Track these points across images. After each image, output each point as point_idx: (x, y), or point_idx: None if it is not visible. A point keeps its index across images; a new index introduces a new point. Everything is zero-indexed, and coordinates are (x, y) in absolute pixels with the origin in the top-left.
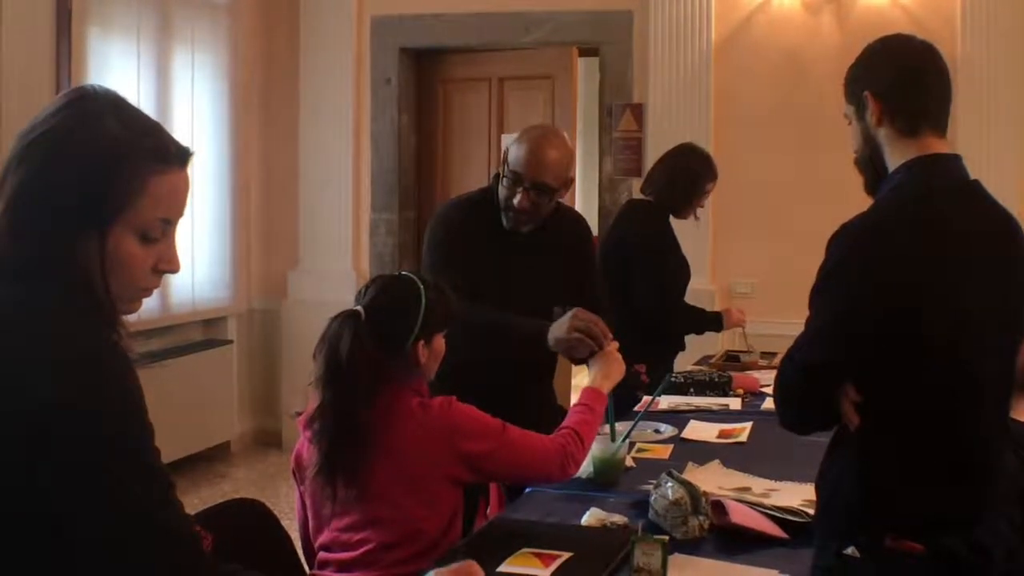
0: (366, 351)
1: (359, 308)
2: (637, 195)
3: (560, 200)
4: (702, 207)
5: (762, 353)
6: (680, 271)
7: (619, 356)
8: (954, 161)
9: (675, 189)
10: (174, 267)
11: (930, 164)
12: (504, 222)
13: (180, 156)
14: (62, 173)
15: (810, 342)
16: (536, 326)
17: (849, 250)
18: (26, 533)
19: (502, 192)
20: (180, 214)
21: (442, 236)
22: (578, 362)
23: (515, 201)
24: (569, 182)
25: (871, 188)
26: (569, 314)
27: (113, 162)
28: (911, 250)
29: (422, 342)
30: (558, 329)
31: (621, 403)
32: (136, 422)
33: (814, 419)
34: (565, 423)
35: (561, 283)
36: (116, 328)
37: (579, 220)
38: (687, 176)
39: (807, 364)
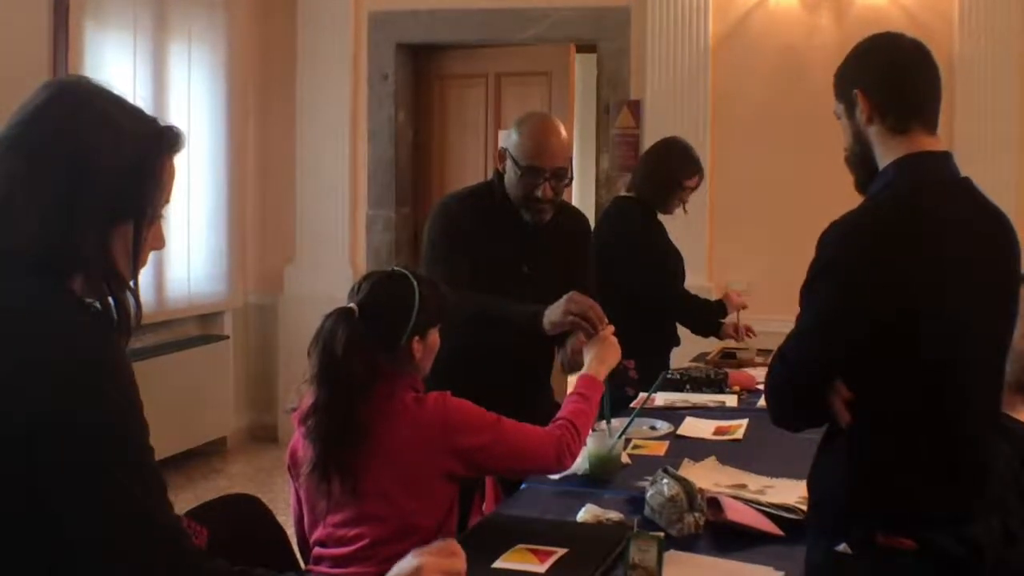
0: (361, 348)
1: (352, 305)
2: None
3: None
4: (685, 202)
5: (758, 350)
6: (667, 265)
7: (614, 341)
8: (944, 158)
9: (653, 186)
10: (163, 244)
11: (920, 161)
12: (526, 217)
13: (182, 141)
14: (97, 173)
15: (800, 339)
16: (531, 309)
17: (839, 248)
18: (26, 533)
19: (519, 188)
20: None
21: (444, 229)
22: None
23: (540, 193)
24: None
25: (862, 186)
26: (565, 297)
27: (142, 158)
28: (901, 248)
29: (417, 337)
30: (553, 312)
31: (611, 399)
32: (134, 422)
33: (805, 416)
34: (561, 413)
35: (560, 277)
36: (129, 322)
37: (578, 215)
38: (663, 173)
39: (797, 361)
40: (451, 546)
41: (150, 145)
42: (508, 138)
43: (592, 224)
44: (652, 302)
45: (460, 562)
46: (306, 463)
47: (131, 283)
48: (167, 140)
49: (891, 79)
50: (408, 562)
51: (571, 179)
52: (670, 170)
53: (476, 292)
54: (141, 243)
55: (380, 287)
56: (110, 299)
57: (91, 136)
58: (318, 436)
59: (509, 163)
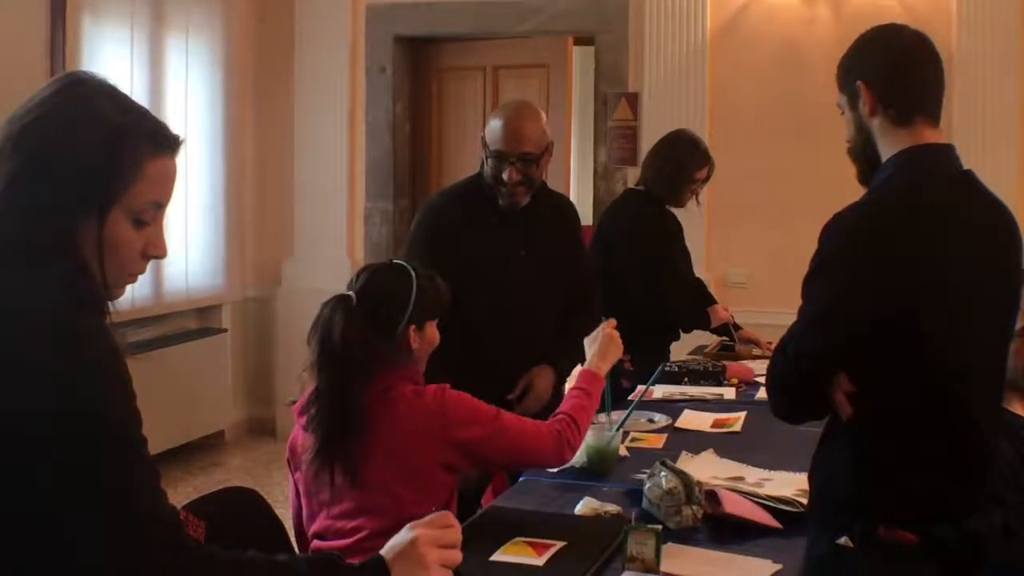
0: (358, 334)
1: (350, 293)
2: (632, 184)
3: (552, 188)
4: (697, 193)
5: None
6: (671, 261)
7: (616, 336)
8: (947, 151)
9: (662, 179)
10: (162, 252)
11: (923, 154)
12: (500, 202)
13: (173, 142)
14: (63, 157)
15: (802, 332)
16: None
17: (841, 240)
18: (26, 533)
19: (490, 173)
20: (170, 199)
21: (424, 231)
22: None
23: (505, 176)
24: (550, 146)
25: (864, 178)
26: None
27: (114, 145)
28: (904, 240)
29: (413, 327)
30: None
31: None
32: (132, 417)
33: (806, 409)
34: (561, 408)
35: (552, 265)
36: (108, 315)
37: (567, 204)
38: (672, 166)
39: (799, 353)
40: (446, 518)
41: (133, 139)
42: (487, 125)
43: (588, 217)
44: (646, 302)
45: (455, 533)
46: (308, 451)
47: (101, 277)
48: (156, 138)
49: (894, 71)
50: (403, 535)
51: (540, 165)
52: (680, 163)
53: (464, 291)
54: (102, 236)
55: (377, 276)
56: (85, 287)
57: (66, 121)
58: (320, 423)
59: (483, 149)
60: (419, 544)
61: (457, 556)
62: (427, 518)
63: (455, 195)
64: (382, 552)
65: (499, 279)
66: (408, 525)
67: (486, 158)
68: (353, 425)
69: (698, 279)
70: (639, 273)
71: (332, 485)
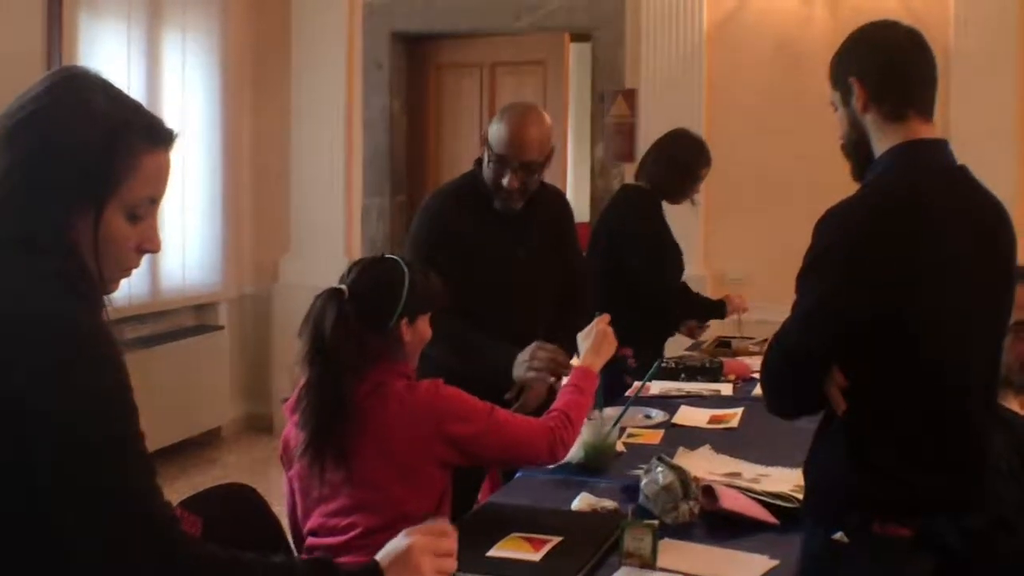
0: (349, 328)
1: (342, 287)
2: (630, 180)
3: (545, 182)
4: (697, 192)
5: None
6: (674, 257)
7: (610, 332)
8: (940, 146)
9: (668, 177)
10: (156, 247)
11: (916, 149)
12: (496, 204)
13: (168, 136)
14: (59, 152)
15: (796, 327)
16: (505, 360)
17: (835, 235)
18: (26, 533)
19: (489, 175)
20: (164, 193)
21: (426, 235)
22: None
23: (505, 182)
24: (551, 152)
25: (858, 174)
26: (529, 351)
27: (110, 140)
28: (898, 236)
29: (405, 321)
30: (519, 367)
31: (609, 388)
32: (129, 414)
33: (801, 404)
34: (555, 405)
35: (550, 264)
36: (105, 310)
37: (559, 196)
38: (680, 165)
39: (793, 349)
40: (442, 526)
41: (128, 134)
42: (491, 125)
43: (585, 214)
44: (652, 296)
45: (451, 542)
46: (299, 445)
47: (97, 273)
48: (151, 133)
49: (887, 67)
50: (398, 541)
51: (541, 172)
52: (688, 162)
53: (463, 291)
54: (98, 230)
55: (370, 270)
56: (83, 282)
57: (63, 116)
58: (310, 415)
59: (486, 149)
60: (414, 551)
61: (452, 564)
62: (423, 525)
63: (453, 195)
64: (377, 558)
65: (499, 279)
66: (404, 532)
67: (488, 160)
68: (343, 417)
69: None
70: (651, 270)
71: (323, 480)
